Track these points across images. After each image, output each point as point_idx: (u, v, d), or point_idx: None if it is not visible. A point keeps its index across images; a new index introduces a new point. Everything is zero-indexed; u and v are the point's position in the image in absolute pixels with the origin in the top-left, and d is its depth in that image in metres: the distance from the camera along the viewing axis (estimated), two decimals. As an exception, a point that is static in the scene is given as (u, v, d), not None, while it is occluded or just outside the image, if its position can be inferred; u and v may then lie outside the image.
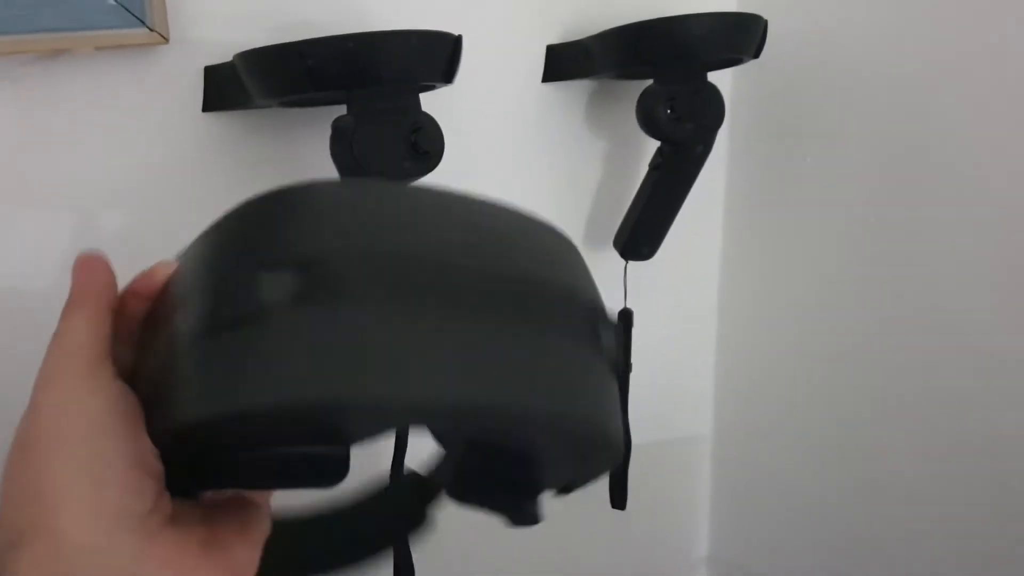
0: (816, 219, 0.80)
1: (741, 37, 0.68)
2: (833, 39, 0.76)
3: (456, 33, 0.56)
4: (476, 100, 0.68)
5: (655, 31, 0.65)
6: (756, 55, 0.70)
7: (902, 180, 0.73)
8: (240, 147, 0.61)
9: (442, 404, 0.27)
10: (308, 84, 0.53)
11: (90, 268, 0.33)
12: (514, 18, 0.70)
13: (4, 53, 0.51)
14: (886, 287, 0.75)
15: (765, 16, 0.69)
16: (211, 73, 0.58)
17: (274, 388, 0.26)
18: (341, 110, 0.55)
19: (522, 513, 0.31)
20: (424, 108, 0.56)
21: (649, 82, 0.68)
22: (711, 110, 0.69)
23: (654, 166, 0.72)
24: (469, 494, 0.29)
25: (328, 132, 0.56)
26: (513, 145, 0.74)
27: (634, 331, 0.75)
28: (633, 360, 0.74)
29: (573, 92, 0.75)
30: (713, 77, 0.70)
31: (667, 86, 0.67)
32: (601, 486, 0.79)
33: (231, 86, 0.56)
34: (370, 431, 0.30)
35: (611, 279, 0.74)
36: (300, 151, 0.63)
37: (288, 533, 0.35)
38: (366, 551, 0.31)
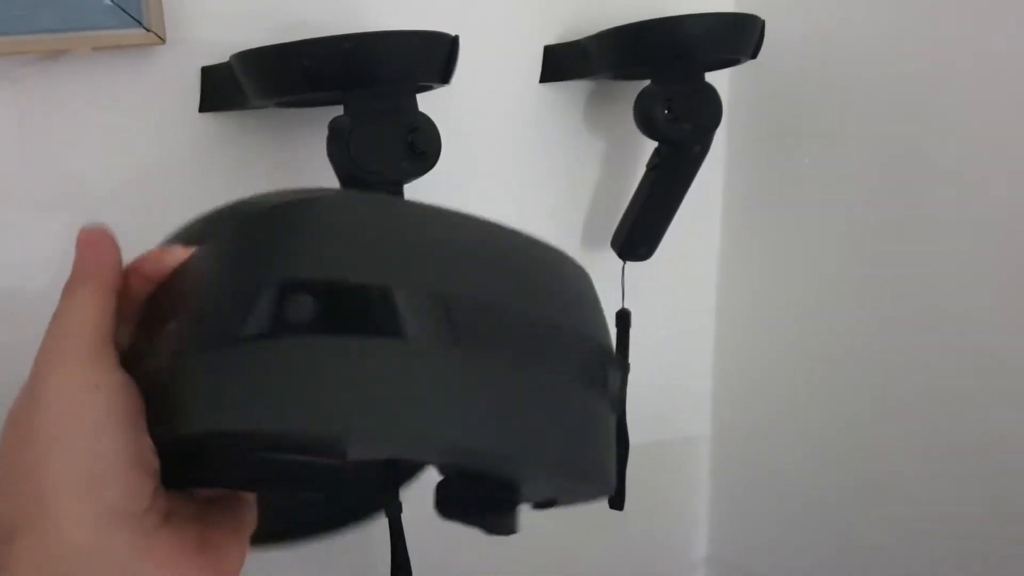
0: (815, 219, 0.80)
1: (738, 37, 0.68)
2: (831, 39, 0.76)
3: (453, 33, 0.56)
4: (473, 100, 0.68)
5: (653, 31, 0.65)
6: (754, 55, 0.70)
7: (901, 180, 0.72)
8: (237, 147, 0.61)
9: (441, 446, 0.28)
10: (305, 85, 0.53)
11: (95, 245, 0.32)
12: (512, 18, 0.70)
13: (2, 54, 0.51)
14: (885, 287, 0.75)
15: (763, 16, 0.69)
16: (208, 73, 0.58)
17: (280, 413, 0.26)
18: (338, 110, 0.55)
19: (500, 525, 0.31)
20: (421, 108, 0.56)
21: (647, 82, 0.68)
22: (709, 110, 0.69)
23: (652, 166, 0.72)
24: (451, 512, 0.30)
25: (325, 132, 0.56)
26: (511, 146, 0.74)
27: (632, 332, 0.75)
28: (631, 361, 0.74)
29: (571, 92, 0.75)
30: (711, 78, 0.70)
31: (665, 86, 0.67)
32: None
33: (228, 86, 0.56)
34: (369, 456, 0.30)
35: (609, 279, 0.74)
36: (297, 152, 0.63)
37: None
38: (335, 522, 0.30)
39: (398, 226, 0.29)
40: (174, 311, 0.30)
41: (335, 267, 0.28)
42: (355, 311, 0.27)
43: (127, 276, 0.32)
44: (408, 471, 0.39)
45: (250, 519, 0.34)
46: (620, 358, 0.34)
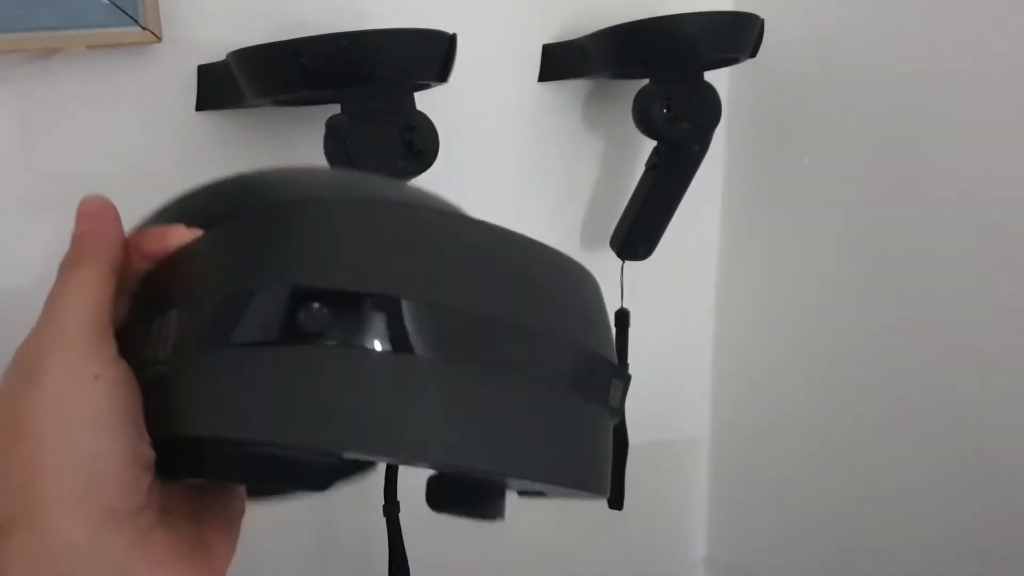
0: (814, 219, 0.80)
1: (737, 36, 0.68)
2: (831, 38, 0.76)
3: (451, 32, 0.56)
4: (471, 99, 0.68)
5: (651, 30, 0.65)
6: (753, 54, 0.69)
7: (901, 180, 0.72)
8: (234, 146, 0.60)
9: (442, 459, 0.27)
10: (302, 83, 0.53)
11: (96, 217, 0.31)
12: (510, 17, 0.70)
13: (-3, 52, 0.51)
14: (885, 287, 0.75)
15: (762, 15, 0.69)
16: (204, 72, 0.58)
17: (283, 424, 0.26)
18: (335, 109, 0.55)
19: (489, 514, 0.31)
20: (419, 107, 0.56)
21: (645, 82, 0.68)
22: (707, 109, 0.69)
23: (650, 166, 0.72)
24: (442, 506, 0.29)
25: (322, 131, 0.56)
26: (509, 145, 0.73)
27: (631, 331, 0.75)
28: (630, 361, 0.74)
29: (569, 92, 0.75)
30: (710, 77, 0.69)
31: (663, 85, 0.67)
32: (599, 486, 0.78)
33: (225, 85, 0.56)
34: (366, 459, 0.30)
35: (608, 279, 0.74)
36: (294, 150, 0.62)
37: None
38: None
39: (410, 234, 0.29)
40: (176, 299, 0.29)
41: (346, 275, 0.27)
42: (365, 322, 0.26)
43: (127, 253, 0.31)
44: None
45: (240, 506, 0.34)
46: (622, 369, 0.34)
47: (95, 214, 0.31)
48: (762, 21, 0.69)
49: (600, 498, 0.33)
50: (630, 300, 0.75)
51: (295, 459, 0.27)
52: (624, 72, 0.71)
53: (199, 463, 0.29)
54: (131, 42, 0.53)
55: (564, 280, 0.33)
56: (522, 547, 0.83)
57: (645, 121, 0.68)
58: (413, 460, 0.28)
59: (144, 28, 0.53)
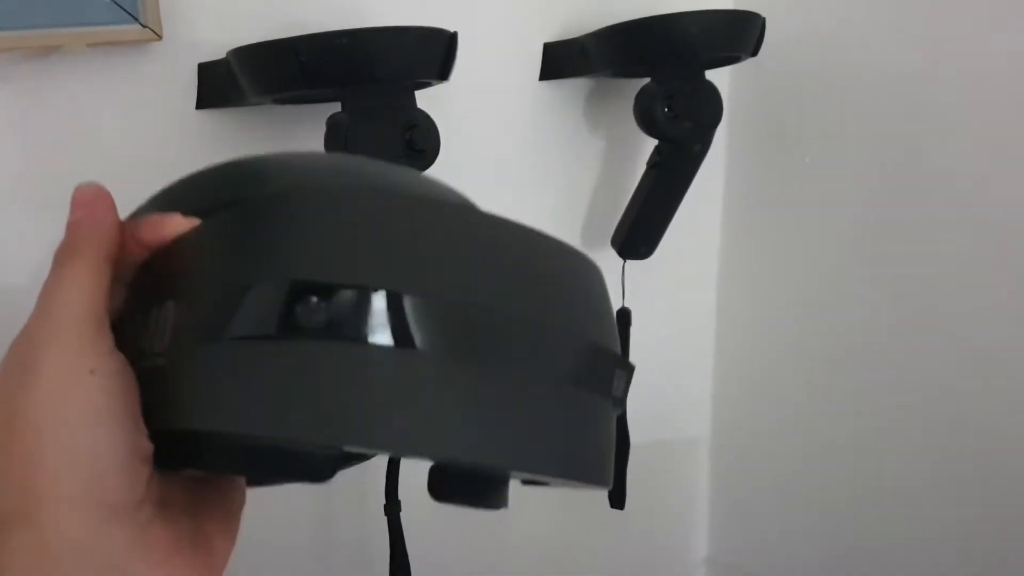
0: (815, 218, 0.80)
1: (739, 35, 0.68)
2: (832, 38, 0.76)
3: (452, 30, 0.56)
4: (472, 98, 0.68)
5: (652, 28, 0.65)
6: (754, 53, 0.69)
7: (901, 180, 0.72)
8: (234, 145, 0.60)
9: (443, 452, 0.27)
10: (302, 81, 0.52)
11: (91, 205, 0.30)
12: (511, 16, 0.70)
13: (-4, 50, 0.50)
14: (885, 287, 0.75)
15: (763, 14, 0.69)
16: (205, 70, 0.58)
17: (282, 419, 0.26)
18: (336, 107, 0.55)
19: (492, 502, 0.31)
20: (420, 106, 0.56)
21: (647, 80, 0.68)
22: (709, 108, 0.69)
23: (652, 165, 0.72)
24: (444, 495, 0.29)
25: (323, 129, 0.56)
26: (510, 144, 0.73)
27: (632, 331, 0.75)
28: (631, 360, 0.74)
29: (570, 90, 0.75)
30: (711, 76, 0.69)
31: (664, 84, 0.67)
32: (599, 487, 0.78)
33: (225, 83, 0.56)
34: (367, 452, 0.30)
35: (608, 279, 0.74)
36: (295, 149, 0.62)
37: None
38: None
39: (410, 226, 0.28)
40: (173, 290, 0.29)
41: (344, 268, 0.27)
42: (364, 316, 0.26)
43: (124, 241, 0.30)
44: None
45: (240, 498, 0.34)
46: (625, 359, 0.34)
47: (90, 201, 0.30)
48: (763, 20, 0.69)
49: (602, 489, 0.32)
50: (631, 299, 0.75)
51: (295, 451, 0.27)
52: (625, 71, 0.71)
53: (197, 455, 0.29)
54: (131, 40, 0.53)
55: (566, 270, 0.32)
56: (523, 546, 0.83)
57: (646, 120, 0.68)
58: (413, 453, 0.28)
59: (144, 26, 0.53)
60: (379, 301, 0.26)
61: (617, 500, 0.77)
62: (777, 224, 0.83)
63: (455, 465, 0.28)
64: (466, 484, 0.29)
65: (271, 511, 0.66)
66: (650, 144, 0.72)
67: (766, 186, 0.83)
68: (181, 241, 0.30)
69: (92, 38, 0.52)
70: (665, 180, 0.72)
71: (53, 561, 0.26)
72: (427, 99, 0.57)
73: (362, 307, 0.26)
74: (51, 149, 0.55)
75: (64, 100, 0.55)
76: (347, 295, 0.26)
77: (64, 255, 0.30)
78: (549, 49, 0.72)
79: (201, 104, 0.58)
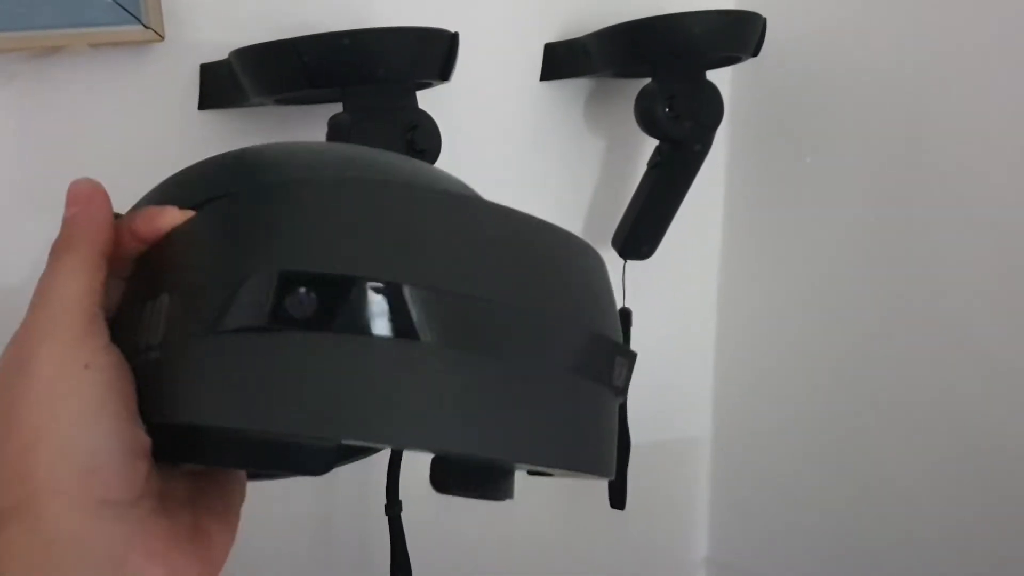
0: (816, 218, 0.80)
1: (740, 35, 0.68)
2: (833, 38, 0.76)
3: (453, 31, 0.56)
4: (473, 98, 0.68)
5: (653, 29, 0.65)
6: (755, 53, 0.69)
7: (902, 180, 0.72)
8: (236, 145, 0.59)
9: (443, 444, 0.27)
10: (304, 81, 0.52)
11: (86, 201, 0.30)
12: (512, 16, 0.70)
13: (-2, 50, 0.50)
14: (886, 287, 0.75)
15: (764, 14, 0.69)
16: (207, 71, 0.58)
17: (278, 412, 0.26)
18: (337, 108, 0.55)
19: (497, 494, 0.31)
20: (421, 106, 0.56)
21: (647, 80, 0.68)
22: (710, 108, 0.69)
23: (653, 165, 0.72)
24: (447, 487, 0.29)
25: (324, 130, 0.56)
26: (511, 144, 0.73)
27: (632, 331, 0.75)
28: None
29: (571, 91, 0.75)
30: (712, 76, 0.69)
31: (666, 84, 0.67)
32: (600, 487, 0.78)
33: (227, 84, 0.56)
34: (366, 444, 0.30)
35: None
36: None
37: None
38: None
39: (405, 215, 0.28)
40: (167, 284, 0.29)
41: (334, 259, 0.27)
42: (354, 307, 0.26)
43: (119, 235, 0.30)
44: None
45: (240, 492, 0.34)
46: (626, 348, 0.33)
47: (85, 197, 0.31)
48: (764, 20, 0.69)
49: (604, 479, 0.32)
50: (632, 299, 0.75)
51: (291, 444, 0.27)
52: (626, 71, 0.71)
53: (194, 449, 0.28)
54: (133, 41, 0.53)
55: (565, 258, 0.32)
56: (523, 546, 0.83)
57: (647, 120, 0.68)
58: (410, 446, 0.28)
59: (147, 27, 0.53)
60: (368, 291, 0.26)
61: (617, 500, 0.77)
62: (778, 224, 0.83)
63: (454, 457, 0.28)
64: (468, 475, 0.29)
65: (272, 511, 0.66)
66: (651, 144, 0.72)
67: (767, 186, 0.83)
68: (175, 234, 0.30)
69: (94, 39, 0.52)
70: (666, 180, 0.72)
71: (51, 555, 0.26)
72: (428, 99, 0.57)
73: (350, 297, 0.26)
74: (53, 149, 0.55)
75: (66, 101, 0.55)
76: (335, 286, 0.26)
77: (59, 250, 0.30)
78: (550, 49, 0.72)
79: (203, 105, 0.58)
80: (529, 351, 0.29)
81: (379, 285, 0.26)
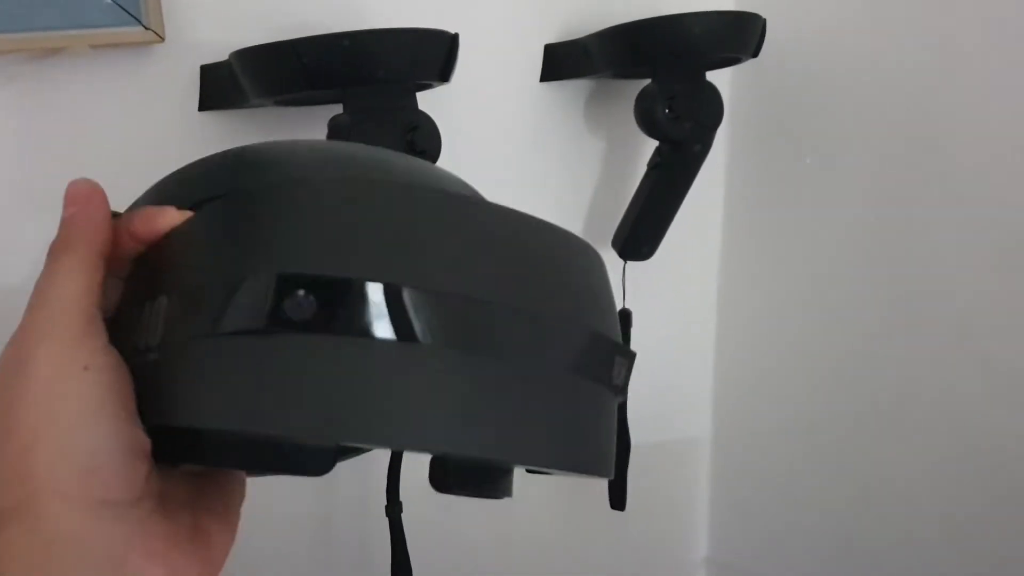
0: (816, 219, 0.80)
1: (740, 36, 0.68)
2: (833, 38, 0.76)
3: (453, 32, 0.56)
4: (473, 99, 0.68)
5: (653, 30, 0.65)
6: (755, 54, 0.69)
7: (902, 180, 0.72)
8: (236, 146, 0.60)
9: (441, 447, 0.27)
10: (304, 82, 0.53)
11: (84, 202, 0.30)
12: (512, 17, 0.70)
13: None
14: (886, 288, 0.75)
15: (764, 15, 0.69)
16: (207, 72, 0.58)
17: (277, 415, 0.26)
18: (337, 109, 0.55)
19: (496, 492, 0.31)
20: (421, 107, 0.56)
21: (647, 81, 0.68)
22: (710, 109, 0.69)
23: (653, 165, 0.72)
24: (446, 486, 0.29)
25: (324, 131, 0.56)
26: (511, 145, 0.73)
27: (632, 331, 0.75)
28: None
29: (571, 92, 0.75)
30: (712, 77, 0.69)
31: (665, 85, 0.67)
32: (600, 487, 0.78)
33: (227, 85, 0.56)
34: (365, 446, 0.30)
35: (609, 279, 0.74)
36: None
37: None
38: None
39: (404, 217, 0.28)
40: (165, 285, 0.29)
41: (332, 261, 0.27)
42: (352, 309, 0.26)
43: (117, 236, 0.30)
44: None
45: (240, 492, 0.34)
46: (626, 347, 0.33)
47: (83, 197, 0.30)
48: (764, 21, 0.69)
49: (604, 478, 0.32)
50: (632, 300, 0.75)
51: (291, 444, 0.27)
52: (626, 72, 0.71)
53: (193, 450, 0.28)
54: (134, 42, 0.53)
55: (565, 258, 0.32)
56: (523, 546, 0.83)
57: (647, 121, 0.68)
58: (410, 448, 0.28)
59: (147, 28, 0.53)
60: (365, 293, 0.26)
61: (617, 500, 0.77)
62: (778, 225, 0.83)
63: (451, 458, 0.28)
64: (467, 475, 0.29)
65: (272, 511, 0.66)
66: (651, 145, 0.72)
67: (767, 187, 0.83)
68: (173, 235, 0.30)
69: (94, 40, 0.52)
70: (666, 181, 0.72)
71: (51, 555, 0.26)
72: (428, 100, 0.57)
73: (349, 300, 0.26)
74: (53, 150, 0.55)
75: (66, 102, 0.55)
76: (334, 288, 0.26)
77: (57, 251, 0.30)
78: (550, 50, 0.72)
79: (203, 106, 0.58)
80: (529, 351, 0.28)
81: (378, 287, 0.26)
